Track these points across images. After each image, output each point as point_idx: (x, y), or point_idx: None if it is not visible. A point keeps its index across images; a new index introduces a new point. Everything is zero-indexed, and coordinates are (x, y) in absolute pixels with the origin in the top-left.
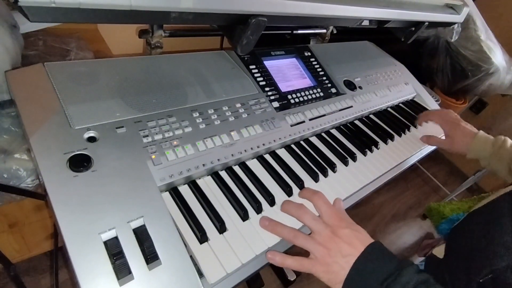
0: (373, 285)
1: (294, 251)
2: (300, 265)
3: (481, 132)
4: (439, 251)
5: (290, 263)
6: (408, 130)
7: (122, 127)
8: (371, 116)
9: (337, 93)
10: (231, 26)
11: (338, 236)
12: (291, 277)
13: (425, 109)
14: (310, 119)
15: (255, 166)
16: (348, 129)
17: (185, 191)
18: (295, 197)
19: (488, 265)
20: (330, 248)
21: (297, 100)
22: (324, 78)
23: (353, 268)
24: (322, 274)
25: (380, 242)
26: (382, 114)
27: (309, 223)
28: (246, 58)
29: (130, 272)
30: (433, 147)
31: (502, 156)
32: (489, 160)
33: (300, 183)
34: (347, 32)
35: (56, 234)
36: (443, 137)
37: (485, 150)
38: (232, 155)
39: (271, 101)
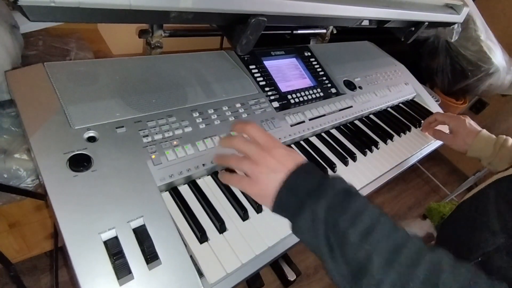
0: (302, 197)
1: (296, 250)
2: (239, 182)
3: (484, 131)
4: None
5: (233, 180)
6: (408, 130)
7: (122, 127)
8: (371, 116)
9: (337, 93)
10: (231, 26)
11: (271, 154)
12: (291, 277)
13: (425, 109)
14: (310, 119)
15: None
16: (348, 129)
17: (185, 191)
18: None
19: (477, 250)
20: (261, 164)
21: (297, 100)
22: (324, 78)
23: (284, 183)
24: (255, 191)
25: (312, 163)
26: (382, 114)
27: (241, 146)
28: (246, 58)
29: (130, 272)
30: (433, 148)
31: (503, 156)
32: (490, 160)
33: None
34: (347, 32)
35: (56, 234)
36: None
37: (486, 150)
38: None
39: (271, 101)
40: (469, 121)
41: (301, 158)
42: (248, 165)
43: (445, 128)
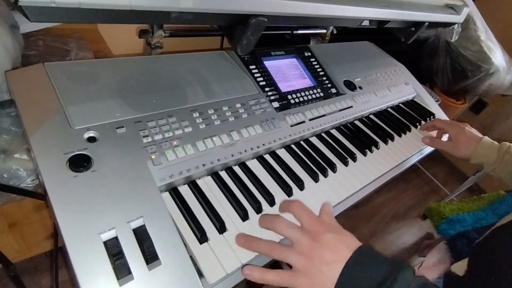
0: None
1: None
2: (281, 279)
3: (486, 137)
4: (458, 268)
5: (270, 278)
6: (408, 130)
7: (122, 127)
8: (371, 116)
9: (337, 93)
10: (231, 26)
11: (319, 242)
12: None
13: (425, 109)
14: (310, 119)
15: (255, 166)
16: (348, 129)
17: (185, 191)
18: (295, 198)
19: None
20: (311, 256)
21: (297, 100)
22: (324, 78)
23: (342, 276)
24: (306, 286)
25: (369, 245)
26: (382, 114)
27: (285, 232)
28: (246, 58)
29: (130, 272)
30: (433, 148)
31: (507, 162)
32: (493, 166)
33: (300, 183)
34: (347, 32)
35: (56, 234)
36: (445, 139)
37: (490, 156)
38: (232, 155)
39: (271, 101)
40: (469, 128)
41: (354, 241)
42: (299, 258)
43: (441, 135)
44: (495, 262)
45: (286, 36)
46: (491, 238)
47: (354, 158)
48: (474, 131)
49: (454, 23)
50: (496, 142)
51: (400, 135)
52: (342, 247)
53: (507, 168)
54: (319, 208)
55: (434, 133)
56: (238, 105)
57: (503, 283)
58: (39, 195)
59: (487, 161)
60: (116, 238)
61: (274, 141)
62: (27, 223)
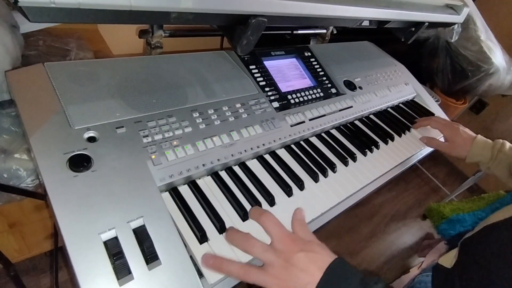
0: None
1: None
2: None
3: (479, 136)
4: (445, 260)
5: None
6: (408, 130)
7: (122, 127)
8: (371, 116)
9: (337, 93)
10: (231, 27)
11: (292, 264)
12: None
13: (425, 109)
14: (310, 119)
15: (255, 166)
16: (348, 129)
17: (185, 191)
18: (295, 198)
19: None
20: (285, 279)
21: (297, 100)
22: (324, 78)
23: None
24: None
25: (339, 261)
26: (382, 114)
27: (258, 255)
28: (246, 58)
29: (130, 272)
30: (433, 148)
31: (501, 160)
32: (488, 165)
33: (300, 183)
34: (347, 32)
35: (56, 234)
36: (442, 140)
37: (484, 155)
38: (232, 155)
39: (271, 101)
40: (463, 128)
41: (326, 257)
42: (274, 282)
43: (435, 133)
44: (485, 258)
45: (286, 36)
46: (482, 235)
47: (354, 158)
48: (468, 130)
49: (454, 23)
50: (489, 140)
51: (400, 135)
52: (314, 267)
53: (501, 166)
54: (319, 208)
55: (432, 131)
56: (238, 105)
57: (491, 277)
58: (39, 195)
59: (482, 159)
60: (116, 238)
61: (274, 141)
62: (27, 223)
